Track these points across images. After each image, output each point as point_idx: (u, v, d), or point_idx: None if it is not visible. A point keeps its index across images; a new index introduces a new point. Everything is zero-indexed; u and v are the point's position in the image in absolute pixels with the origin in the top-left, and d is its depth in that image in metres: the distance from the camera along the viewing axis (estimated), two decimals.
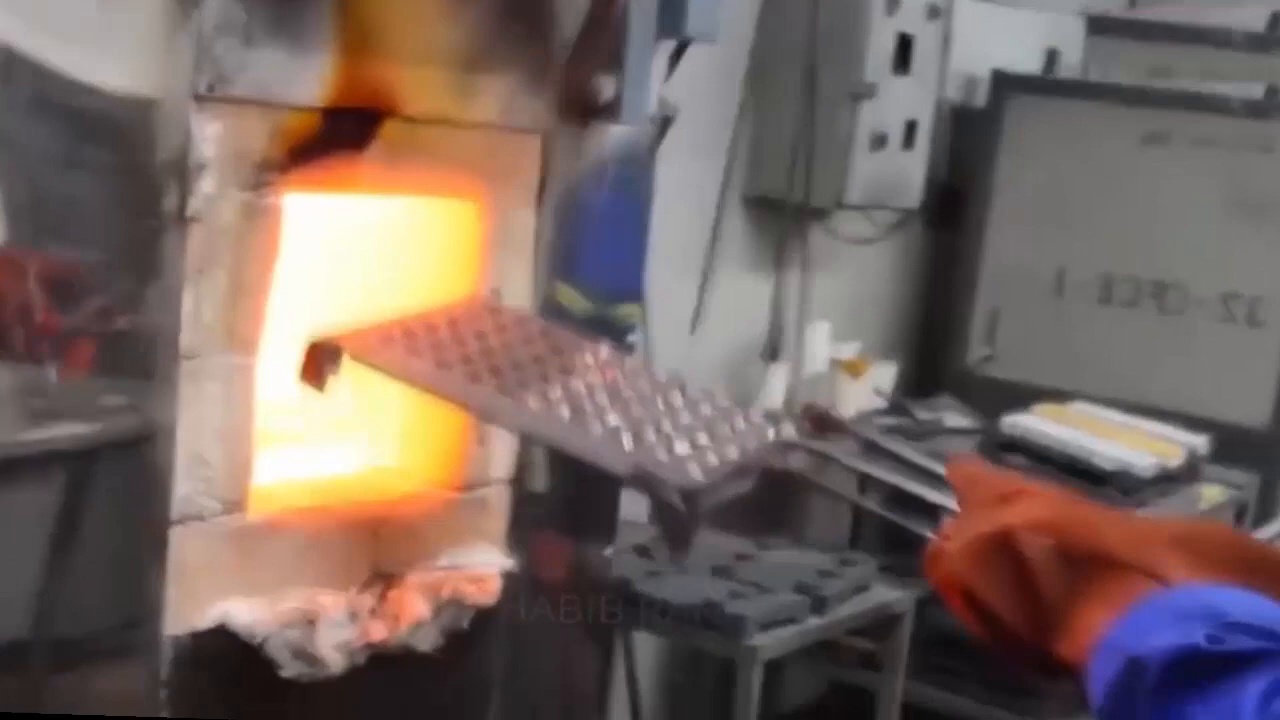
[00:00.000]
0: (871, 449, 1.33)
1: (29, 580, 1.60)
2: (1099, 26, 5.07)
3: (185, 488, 1.67)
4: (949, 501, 1.11)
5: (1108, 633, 0.95)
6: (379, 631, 1.85)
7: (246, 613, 1.73)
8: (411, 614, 1.89)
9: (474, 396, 1.61)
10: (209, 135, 1.62)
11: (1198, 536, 1.04)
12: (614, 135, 2.10)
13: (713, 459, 1.56)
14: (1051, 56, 4.94)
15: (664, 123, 2.21)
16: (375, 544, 1.89)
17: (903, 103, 4.36)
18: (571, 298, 2.09)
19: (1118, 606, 0.97)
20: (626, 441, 1.55)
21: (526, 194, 2.01)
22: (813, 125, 4.07)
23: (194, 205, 1.62)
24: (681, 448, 1.56)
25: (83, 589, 1.62)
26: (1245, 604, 0.92)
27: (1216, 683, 0.87)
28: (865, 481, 1.32)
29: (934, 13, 4.36)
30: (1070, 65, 4.93)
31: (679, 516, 1.48)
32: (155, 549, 1.65)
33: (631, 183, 2.16)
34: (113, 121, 1.57)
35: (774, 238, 4.24)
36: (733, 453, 1.58)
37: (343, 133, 1.76)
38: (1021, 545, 1.04)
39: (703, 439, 1.59)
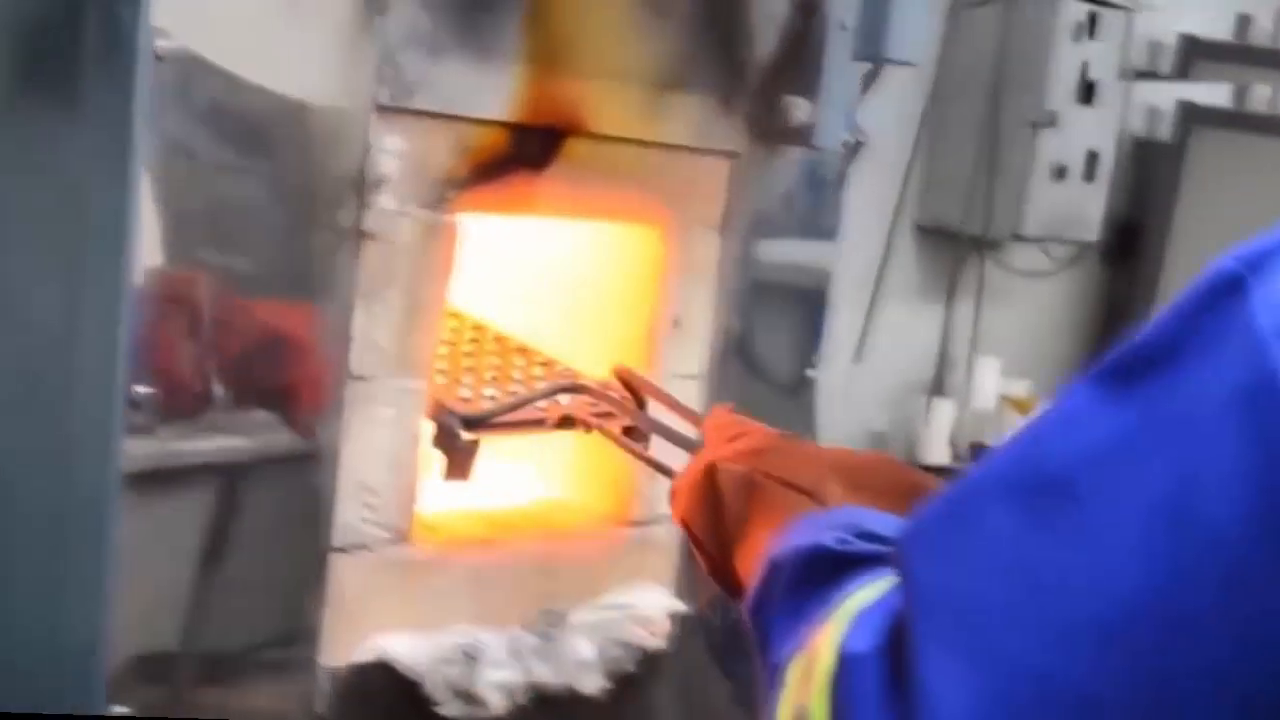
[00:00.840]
0: None
1: (181, 591, 1.53)
2: None
3: (349, 514, 1.60)
4: None
5: (768, 548, 0.99)
6: (543, 672, 1.77)
7: (406, 647, 1.66)
8: (576, 655, 1.80)
9: None
10: (389, 148, 1.55)
11: (859, 465, 1.12)
12: (803, 159, 2.00)
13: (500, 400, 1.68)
14: (1243, 22, 4.68)
15: (854, 148, 2.10)
16: (541, 580, 1.81)
17: (1085, 133, 4.21)
18: (748, 315, 1.99)
19: (780, 524, 1.02)
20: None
21: (712, 218, 1.92)
22: (993, 153, 3.93)
23: (371, 221, 1.55)
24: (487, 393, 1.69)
25: (237, 608, 1.55)
26: (884, 521, 0.96)
27: (834, 579, 0.89)
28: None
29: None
30: (1263, 31, 4.67)
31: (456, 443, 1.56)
32: (315, 575, 1.58)
33: (819, 207, 2.05)
34: (292, 132, 1.50)
35: (946, 268, 4.11)
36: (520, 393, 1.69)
37: (526, 150, 1.68)
38: (718, 476, 1.12)
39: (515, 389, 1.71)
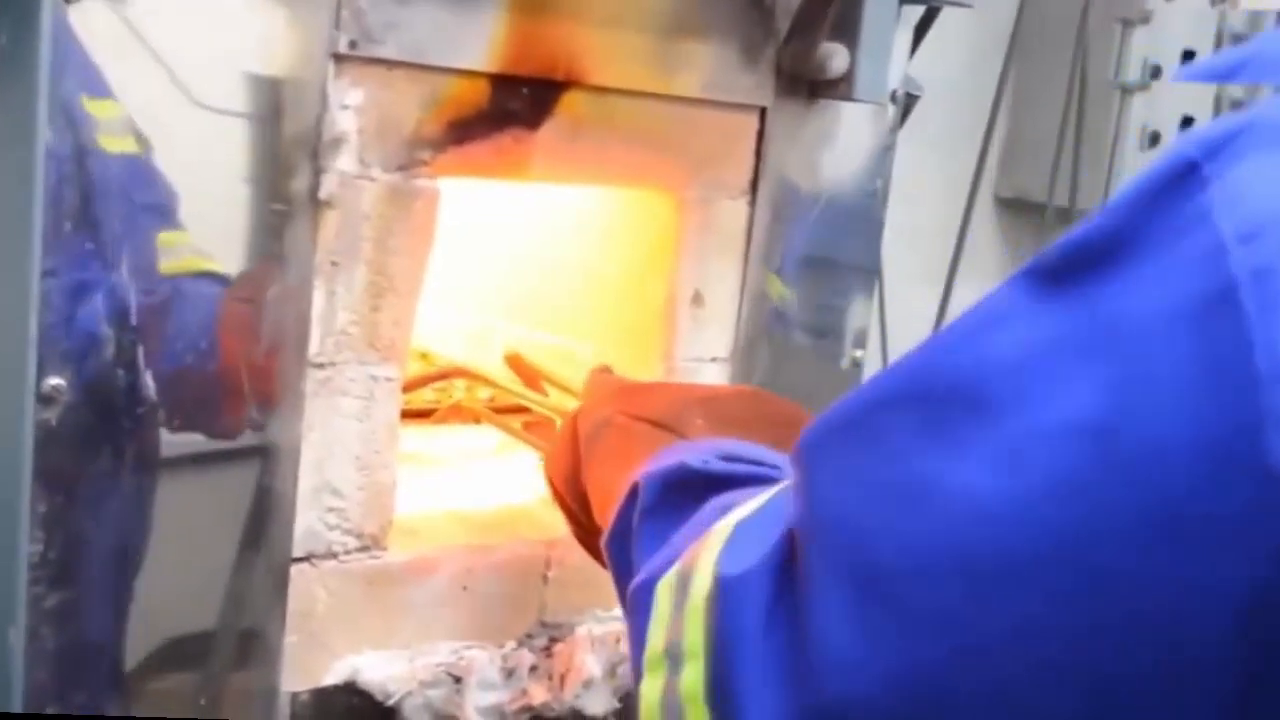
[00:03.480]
0: None
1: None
2: None
3: (310, 519, 1.41)
4: None
5: (631, 474, 0.95)
6: (540, 693, 1.57)
7: (381, 667, 1.47)
8: (580, 673, 1.61)
9: None
10: (349, 103, 1.36)
11: (724, 397, 1.09)
12: (846, 115, 1.78)
13: None
14: None
15: (907, 103, 1.88)
16: (539, 590, 1.61)
17: (1179, 97, 3.96)
18: (781, 290, 1.78)
19: (639, 462, 0.97)
20: None
21: (738, 182, 1.71)
22: (1081, 116, 3.68)
23: (328, 187, 1.35)
24: None
25: (189, 627, 1.37)
26: (753, 450, 0.91)
27: (702, 497, 0.84)
28: None
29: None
30: None
31: None
32: (274, 589, 1.40)
33: (865, 170, 1.83)
34: (233, 87, 1.31)
35: (1029, 243, 3.87)
36: None
37: (514, 105, 1.48)
38: (579, 425, 1.10)
39: None
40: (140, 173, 1.25)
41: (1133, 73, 3.85)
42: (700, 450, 0.91)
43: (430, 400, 1.68)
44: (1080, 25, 3.60)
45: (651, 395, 1.09)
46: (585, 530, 1.14)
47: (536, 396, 1.70)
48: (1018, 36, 3.64)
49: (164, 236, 1.27)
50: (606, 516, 0.99)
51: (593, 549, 1.09)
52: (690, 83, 1.62)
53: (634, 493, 0.92)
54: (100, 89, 1.21)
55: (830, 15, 1.66)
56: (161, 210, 1.28)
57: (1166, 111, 3.90)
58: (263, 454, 1.36)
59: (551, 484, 1.17)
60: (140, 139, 1.24)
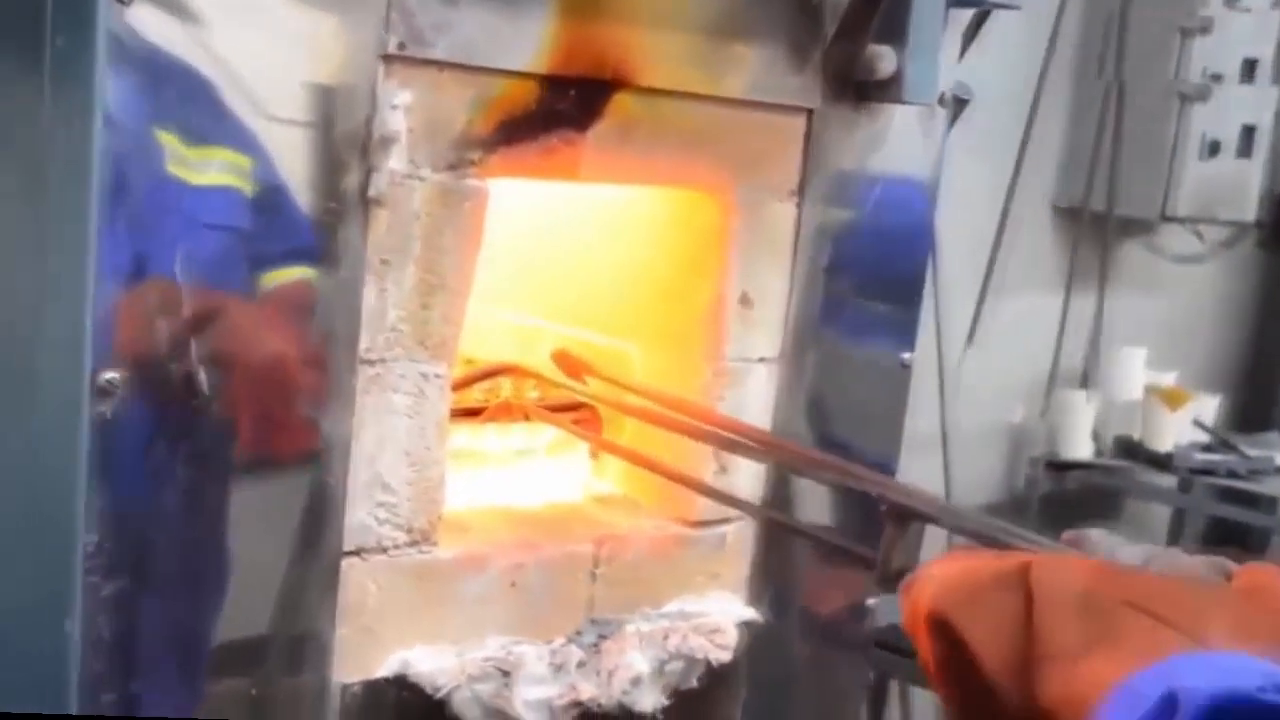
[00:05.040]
0: None
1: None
2: None
3: (361, 514, 1.44)
4: None
5: (1128, 679, 0.83)
6: (588, 689, 1.58)
7: (430, 661, 1.49)
8: (629, 669, 1.62)
9: None
10: (398, 104, 1.38)
11: (1254, 600, 0.93)
12: (895, 118, 1.79)
13: None
14: None
15: (957, 106, 1.88)
16: (589, 587, 1.63)
17: (1241, 105, 3.93)
18: (844, 304, 1.79)
19: (1145, 657, 0.85)
20: None
21: (786, 183, 1.72)
22: (1135, 123, 3.67)
23: (379, 186, 1.38)
24: None
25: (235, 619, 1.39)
26: None
27: None
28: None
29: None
30: None
31: None
32: (325, 583, 1.42)
33: (914, 174, 1.84)
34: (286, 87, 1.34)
35: (1080, 250, 3.85)
36: None
37: (563, 107, 1.50)
38: (1042, 583, 0.92)
39: None
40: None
41: (1193, 81, 3.83)
42: (1249, 670, 0.80)
43: (479, 400, 1.70)
44: (1120, 32, 3.59)
45: (1149, 584, 0.94)
46: (992, 695, 0.94)
47: (583, 388, 1.72)
48: (1063, 36, 3.63)
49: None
50: (1079, 703, 0.87)
51: (975, 707, 0.94)
52: (738, 84, 1.63)
53: (1165, 704, 0.80)
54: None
55: (877, 17, 1.67)
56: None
57: (1227, 119, 3.88)
58: (316, 450, 1.38)
59: (944, 627, 0.95)
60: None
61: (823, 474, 1.53)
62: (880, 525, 1.32)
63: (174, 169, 1.25)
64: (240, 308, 1.33)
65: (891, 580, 1.34)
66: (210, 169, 1.27)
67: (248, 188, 1.30)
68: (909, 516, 1.31)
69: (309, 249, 1.35)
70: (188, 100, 1.25)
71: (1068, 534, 1.05)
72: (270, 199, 1.32)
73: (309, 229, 1.34)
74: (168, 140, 1.24)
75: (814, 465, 1.55)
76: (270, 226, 1.33)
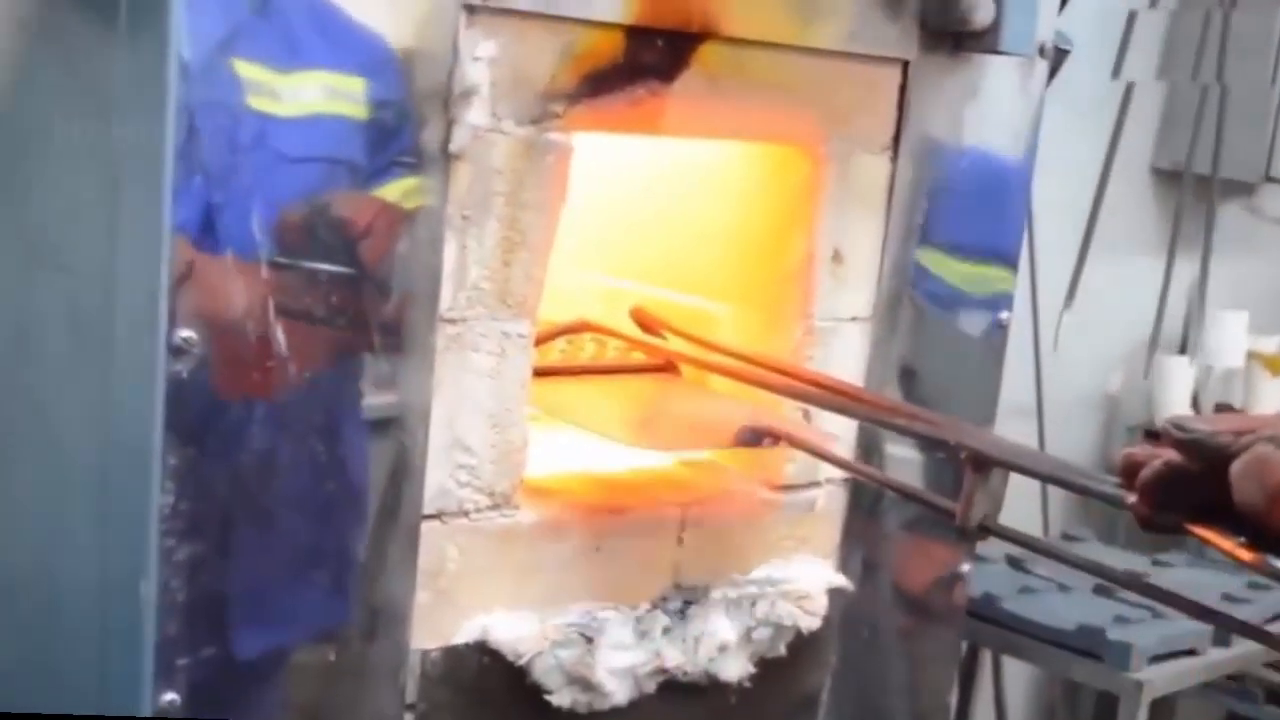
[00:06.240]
0: None
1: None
2: None
3: (441, 477, 1.40)
4: None
5: None
6: (673, 656, 1.55)
7: (511, 627, 1.46)
8: (715, 636, 1.58)
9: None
10: (481, 55, 1.34)
11: None
12: (992, 69, 1.72)
13: None
14: None
15: (1057, 58, 1.81)
16: (675, 552, 1.59)
17: None
18: (940, 262, 1.73)
19: None
20: None
21: (879, 137, 1.66)
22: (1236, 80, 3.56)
23: (459, 140, 1.34)
24: None
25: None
26: None
27: None
28: None
29: None
30: None
31: None
32: (404, 547, 1.38)
33: (1012, 127, 1.77)
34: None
35: (1180, 213, 3.74)
36: None
37: (649, 58, 1.46)
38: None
39: None
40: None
41: None
42: None
43: (559, 360, 1.67)
44: None
45: None
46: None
47: (662, 344, 1.68)
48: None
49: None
50: None
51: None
52: (830, 34, 1.57)
53: None
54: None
55: None
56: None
57: None
58: (394, 411, 1.35)
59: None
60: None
61: (897, 421, 1.48)
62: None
63: (256, 102, 1.21)
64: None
65: (973, 530, 1.30)
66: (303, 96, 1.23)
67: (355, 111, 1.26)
68: (989, 464, 1.27)
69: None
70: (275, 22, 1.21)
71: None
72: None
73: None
74: (248, 71, 1.20)
75: (890, 413, 1.51)
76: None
